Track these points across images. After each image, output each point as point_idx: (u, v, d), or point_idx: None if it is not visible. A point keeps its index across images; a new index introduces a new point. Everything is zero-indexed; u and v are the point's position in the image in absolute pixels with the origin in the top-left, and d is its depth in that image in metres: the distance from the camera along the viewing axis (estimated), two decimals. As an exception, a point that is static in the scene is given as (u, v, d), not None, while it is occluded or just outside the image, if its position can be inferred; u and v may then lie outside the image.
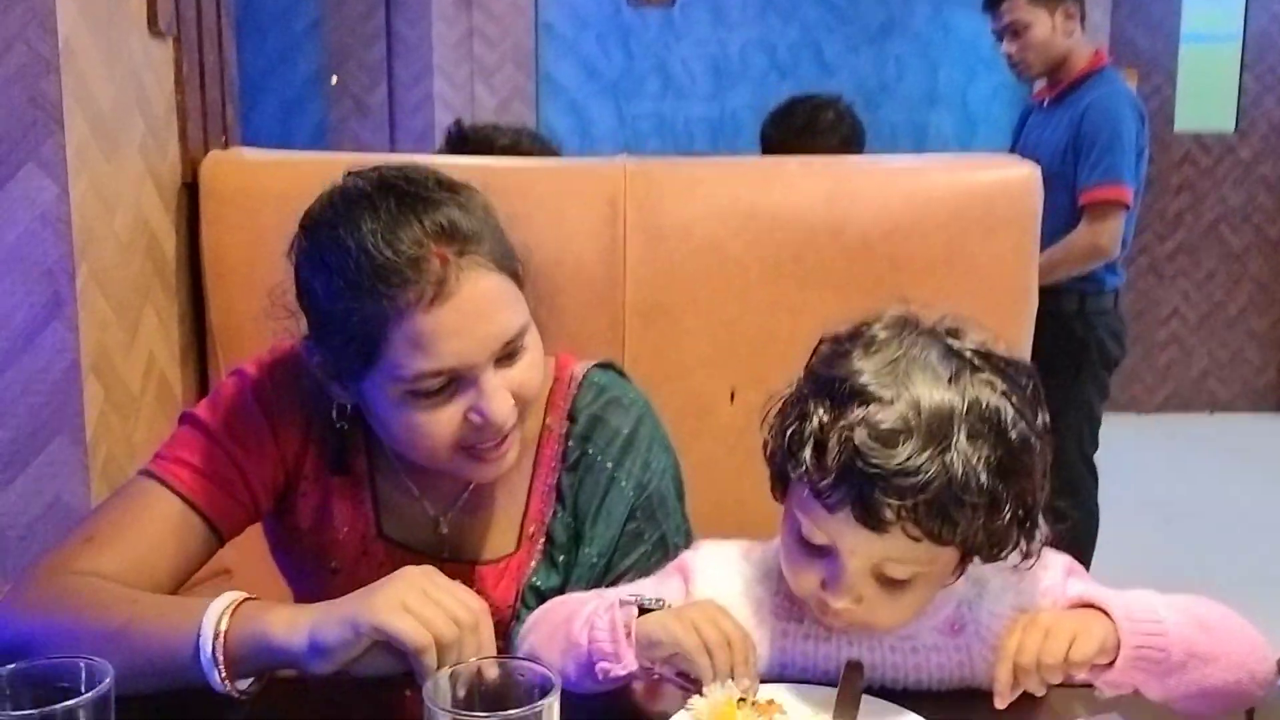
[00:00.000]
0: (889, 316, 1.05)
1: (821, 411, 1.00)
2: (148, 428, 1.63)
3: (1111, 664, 0.97)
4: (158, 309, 1.67)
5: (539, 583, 1.24)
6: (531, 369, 1.15)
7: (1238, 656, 1.00)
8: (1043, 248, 1.74)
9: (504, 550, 1.27)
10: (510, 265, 1.13)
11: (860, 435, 0.96)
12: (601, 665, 1.00)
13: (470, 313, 1.07)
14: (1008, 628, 1.00)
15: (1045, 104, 3.12)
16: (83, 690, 0.77)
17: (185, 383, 1.75)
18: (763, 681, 1.02)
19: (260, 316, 1.65)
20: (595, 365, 1.32)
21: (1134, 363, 3.84)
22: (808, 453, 0.99)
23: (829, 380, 1.01)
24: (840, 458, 0.97)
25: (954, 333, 1.04)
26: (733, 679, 0.96)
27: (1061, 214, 2.83)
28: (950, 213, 1.69)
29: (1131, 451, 3.97)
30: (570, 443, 1.27)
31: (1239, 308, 5.85)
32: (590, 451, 1.26)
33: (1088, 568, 1.15)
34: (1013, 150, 3.14)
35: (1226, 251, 5.79)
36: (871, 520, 0.96)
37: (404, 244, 1.06)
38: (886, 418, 0.96)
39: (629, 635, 1.00)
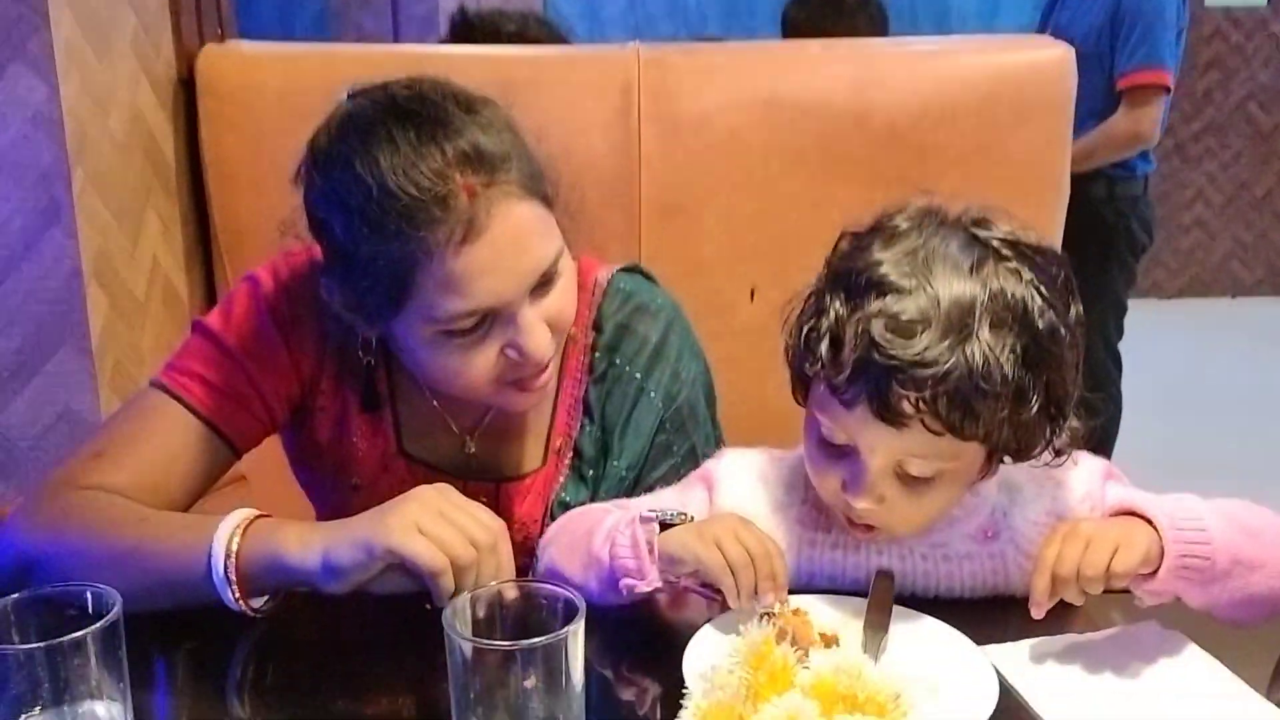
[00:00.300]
0: (912, 208, 1.01)
1: (838, 305, 0.97)
2: (155, 335, 1.60)
3: (1154, 573, 0.94)
4: (159, 212, 1.62)
5: (567, 498, 1.21)
6: (566, 295, 1.09)
7: (1284, 563, 0.96)
8: (1075, 131, 1.67)
9: (530, 466, 1.23)
10: (540, 188, 1.06)
11: (877, 327, 0.93)
12: (626, 582, 0.98)
13: (503, 247, 1.01)
14: (1046, 536, 0.96)
15: (1079, -18, 2.99)
16: (91, 618, 0.74)
17: (191, 287, 1.71)
18: (791, 593, 0.99)
19: (266, 215, 1.61)
20: (621, 269, 1.26)
21: (1156, 247, 3.75)
22: (824, 348, 0.96)
23: (846, 273, 0.98)
24: (856, 351, 0.94)
25: (980, 223, 1.00)
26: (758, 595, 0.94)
27: (1096, 96, 2.73)
28: (981, 98, 1.61)
29: (1152, 338, 3.90)
30: (597, 354, 1.22)
31: (1265, 189, 5.72)
32: (618, 362, 1.21)
33: (1109, 458, 1.12)
34: (1040, 31, 3.02)
35: (1255, 131, 5.64)
36: (889, 415, 0.93)
37: (427, 179, 0.98)
38: (904, 308, 0.93)
39: (652, 552, 0.97)
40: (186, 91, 1.66)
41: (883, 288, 0.95)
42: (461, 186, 0.99)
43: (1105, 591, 1.01)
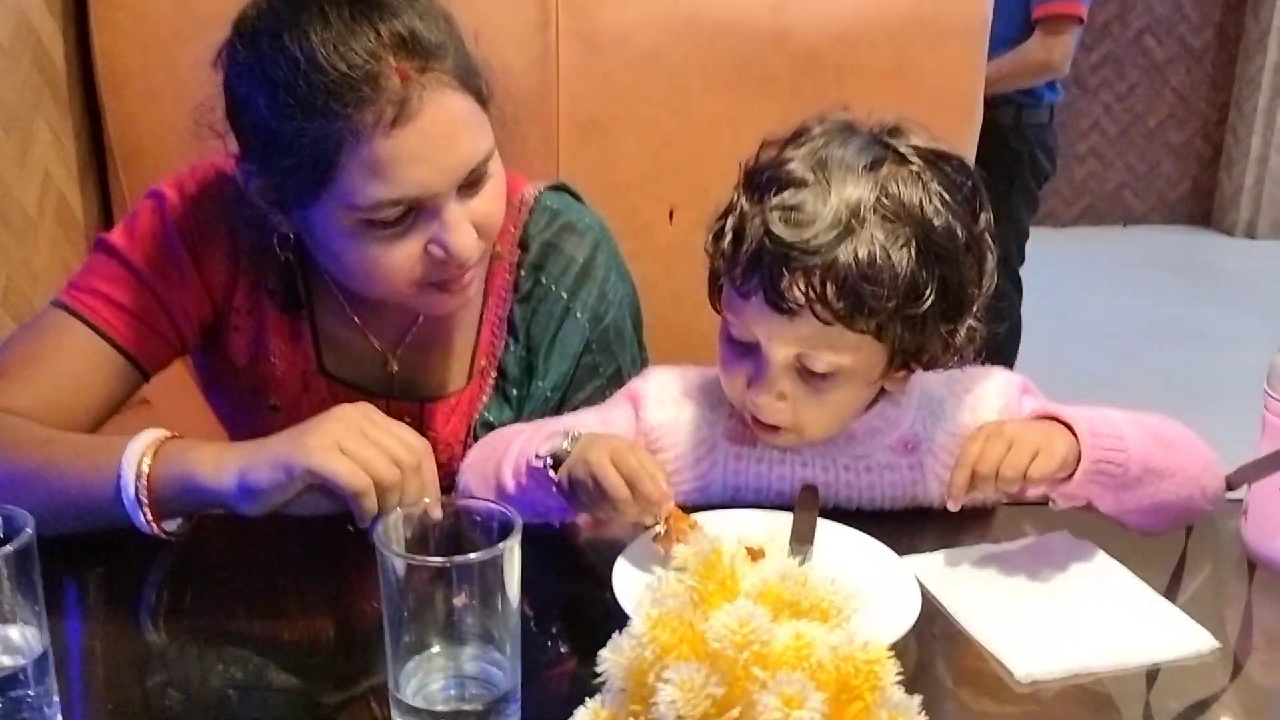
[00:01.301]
0: (831, 119, 1.04)
1: (744, 202, 1.00)
2: (49, 253, 1.52)
3: (1070, 477, 0.97)
4: (50, 123, 1.54)
5: (491, 418, 1.20)
6: (495, 199, 1.07)
7: (1192, 472, 1.00)
8: (988, 56, 1.68)
9: (454, 386, 1.21)
10: (475, 84, 1.03)
11: (773, 218, 0.96)
12: (554, 519, 1.00)
13: (434, 136, 0.98)
14: (971, 434, 0.98)
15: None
16: (1, 541, 0.71)
17: (87, 204, 1.63)
18: (717, 507, 1.00)
19: (163, 128, 1.54)
20: (548, 187, 1.24)
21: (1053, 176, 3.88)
22: (727, 242, 1.00)
23: (756, 172, 1.02)
24: (753, 243, 0.97)
25: (893, 131, 1.02)
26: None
27: (1011, 23, 2.75)
28: (900, 20, 1.61)
29: (1048, 264, 4.02)
30: (522, 272, 1.20)
31: (1158, 120, 5.87)
32: (544, 281, 1.20)
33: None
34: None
35: (1150, 63, 5.77)
36: (782, 303, 0.96)
37: (359, 56, 0.95)
38: (800, 200, 0.96)
39: (557, 488, 0.97)
40: (76, -5, 1.57)
41: (783, 183, 0.98)
42: (394, 69, 0.96)
43: (1020, 504, 1.04)
